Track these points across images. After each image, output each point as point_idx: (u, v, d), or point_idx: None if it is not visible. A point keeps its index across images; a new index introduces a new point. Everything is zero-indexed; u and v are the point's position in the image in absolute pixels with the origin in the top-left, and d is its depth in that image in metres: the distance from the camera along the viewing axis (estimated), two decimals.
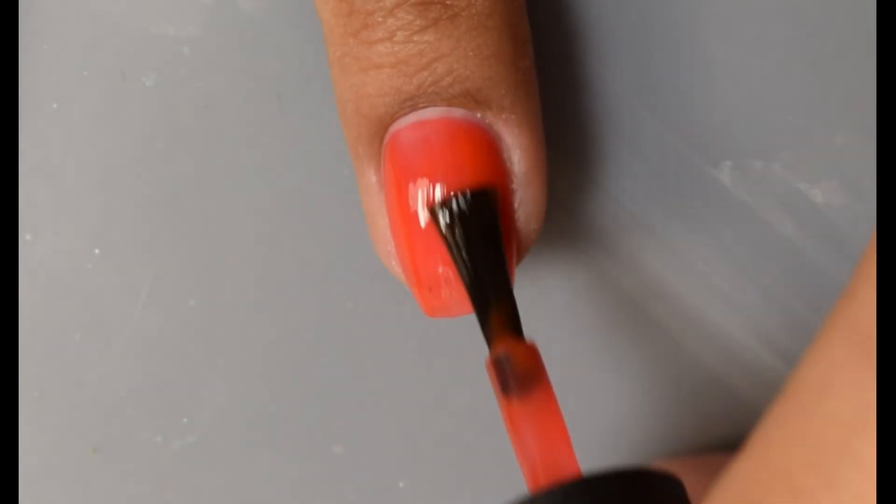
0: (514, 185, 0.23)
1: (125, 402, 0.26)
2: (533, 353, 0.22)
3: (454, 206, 0.22)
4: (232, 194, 0.26)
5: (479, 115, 0.23)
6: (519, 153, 0.23)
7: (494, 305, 0.22)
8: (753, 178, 0.26)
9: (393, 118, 0.23)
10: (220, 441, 0.26)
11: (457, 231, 0.22)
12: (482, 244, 0.23)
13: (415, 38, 0.22)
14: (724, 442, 0.26)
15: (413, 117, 0.23)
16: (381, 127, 0.23)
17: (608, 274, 0.26)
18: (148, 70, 0.26)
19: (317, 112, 0.26)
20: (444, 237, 0.23)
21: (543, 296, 0.26)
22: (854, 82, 0.26)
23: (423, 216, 0.23)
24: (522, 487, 0.26)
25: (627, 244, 0.26)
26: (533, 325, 0.26)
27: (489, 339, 0.22)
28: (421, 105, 0.22)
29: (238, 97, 0.26)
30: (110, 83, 0.26)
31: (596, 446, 0.26)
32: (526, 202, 0.23)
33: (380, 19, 0.22)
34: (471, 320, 0.26)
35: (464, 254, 0.22)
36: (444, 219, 0.22)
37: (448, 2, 0.22)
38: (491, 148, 0.23)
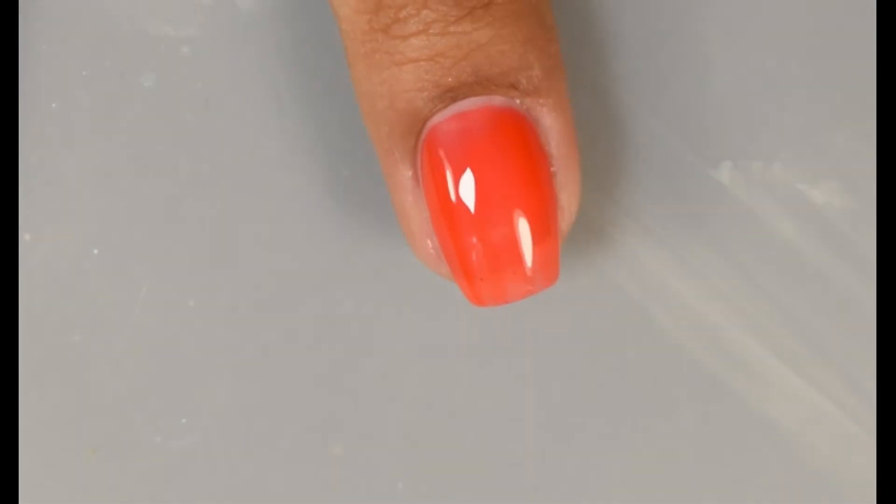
0: (554, 169, 0.23)
1: (125, 402, 0.26)
2: None
3: None
4: (231, 194, 0.26)
5: (518, 101, 0.22)
6: (556, 137, 0.23)
7: None
8: (753, 179, 0.26)
9: (431, 112, 0.22)
10: (220, 441, 0.26)
11: None
12: None
13: (451, 28, 0.22)
14: (724, 443, 0.26)
15: (454, 108, 0.22)
16: (417, 122, 0.22)
17: (608, 274, 0.26)
18: (147, 70, 0.26)
19: (316, 112, 0.26)
20: None
21: (543, 296, 0.26)
22: (854, 82, 0.26)
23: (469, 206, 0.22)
24: (523, 489, 0.26)
25: (627, 244, 0.26)
26: (533, 325, 0.26)
27: None
28: (461, 96, 0.22)
29: (237, 97, 0.26)
30: (110, 83, 0.26)
31: (594, 445, 0.26)
32: (564, 185, 0.23)
33: (413, 11, 0.22)
34: (472, 321, 0.26)
35: None
36: None
37: None
38: (531, 133, 0.23)
